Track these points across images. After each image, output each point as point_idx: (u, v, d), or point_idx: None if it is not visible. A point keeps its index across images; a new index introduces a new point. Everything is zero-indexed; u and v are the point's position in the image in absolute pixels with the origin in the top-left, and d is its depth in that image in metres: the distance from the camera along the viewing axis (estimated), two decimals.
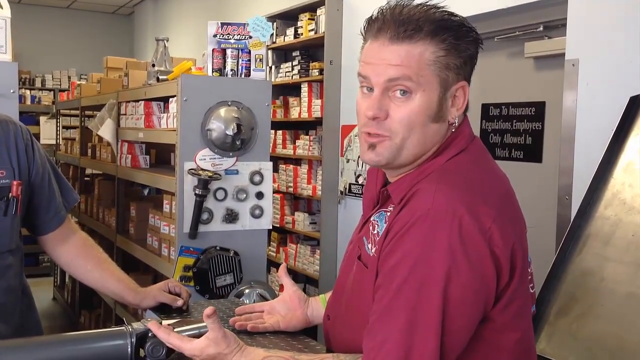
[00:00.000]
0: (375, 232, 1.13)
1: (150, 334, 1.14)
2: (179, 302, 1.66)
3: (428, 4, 1.12)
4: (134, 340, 1.14)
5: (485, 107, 3.41)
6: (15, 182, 1.55)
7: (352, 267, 1.19)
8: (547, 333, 2.06)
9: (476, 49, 1.11)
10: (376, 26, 1.10)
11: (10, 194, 1.54)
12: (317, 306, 1.47)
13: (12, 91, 2.34)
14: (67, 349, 1.12)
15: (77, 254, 1.75)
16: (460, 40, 1.08)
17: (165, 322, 1.20)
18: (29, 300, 1.70)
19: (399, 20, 1.07)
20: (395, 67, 1.07)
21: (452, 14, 1.11)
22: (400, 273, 1.00)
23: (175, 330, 1.20)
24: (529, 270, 1.13)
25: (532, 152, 3.16)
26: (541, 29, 3.09)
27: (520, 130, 3.22)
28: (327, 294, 1.45)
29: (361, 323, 1.07)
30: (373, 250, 1.11)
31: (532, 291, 1.15)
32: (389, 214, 1.12)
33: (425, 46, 1.07)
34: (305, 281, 4.80)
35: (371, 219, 1.17)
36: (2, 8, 2.40)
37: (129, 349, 1.13)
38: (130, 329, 1.15)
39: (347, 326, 1.19)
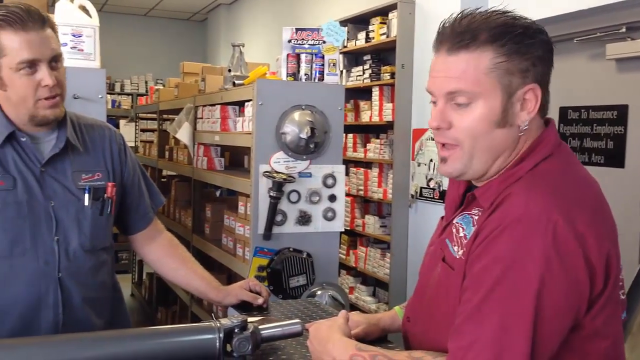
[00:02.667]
0: (462, 235, 1.14)
1: (236, 330, 1.19)
2: (260, 301, 1.71)
3: (491, 10, 1.11)
4: (222, 335, 1.18)
5: (563, 111, 3.32)
6: (110, 184, 1.64)
7: (435, 269, 1.20)
8: (630, 344, 1.99)
9: (547, 51, 1.09)
10: (438, 39, 1.13)
11: (106, 195, 1.63)
12: (394, 317, 1.47)
13: (100, 96, 2.47)
14: (160, 341, 1.18)
15: (164, 253, 1.83)
16: (522, 44, 1.07)
17: (250, 319, 1.25)
18: (119, 296, 1.79)
19: (456, 31, 1.09)
20: (452, 79, 1.09)
21: (516, 17, 1.10)
22: (491, 276, 1.00)
23: (260, 327, 1.25)
24: (620, 276, 1.10)
25: (614, 157, 3.05)
26: (624, 30, 2.98)
27: (601, 135, 3.11)
28: (401, 305, 1.46)
29: (445, 324, 1.08)
30: (460, 253, 1.12)
31: (622, 297, 1.12)
32: (475, 217, 1.13)
33: (482, 54, 1.07)
34: (375, 284, 4.80)
35: (454, 221, 1.18)
36: (91, 17, 2.54)
37: (217, 344, 1.18)
38: (218, 325, 1.19)
39: (429, 327, 1.19)
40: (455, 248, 1.14)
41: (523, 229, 0.99)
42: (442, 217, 1.33)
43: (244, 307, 1.70)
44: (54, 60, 1.50)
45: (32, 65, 1.46)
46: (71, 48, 2.41)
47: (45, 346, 1.15)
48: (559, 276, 0.97)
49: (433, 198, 4.08)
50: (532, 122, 1.11)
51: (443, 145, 1.14)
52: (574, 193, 1.06)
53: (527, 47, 1.07)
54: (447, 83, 1.10)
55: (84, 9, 2.49)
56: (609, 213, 1.11)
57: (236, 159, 4.06)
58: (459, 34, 1.09)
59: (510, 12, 1.12)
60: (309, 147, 2.68)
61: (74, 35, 2.40)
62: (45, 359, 1.11)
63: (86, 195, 1.59)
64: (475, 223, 1.12)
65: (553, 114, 3.33)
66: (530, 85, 1.08)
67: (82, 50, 2.42)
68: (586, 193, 1.09)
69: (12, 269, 1.50)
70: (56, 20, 1.64)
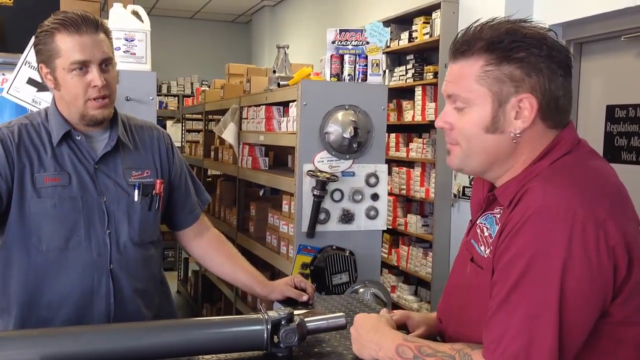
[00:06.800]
0: (487, 234, 1.17)
1: (283, 322, 1.24)
2: (304, 297, 1.75)
3: (506, 18, 1.15)
4: (269, 326, 1.23)
5: (610, 109, 3.27)
6: (158, 181, 1.72)
7: (464, 270, 1.23)
8: None
9: (548, 60, 1.10)
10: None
11: (154, 192, 1.71)
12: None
13: (151, 98, 2.55)
14: (212, 331, 1.24)
15: (211, 248, 1.89)
16: (512, 52, 1.10)
17: (296, 312, 1.29)
18: (166, 289, 1.86)
19: (461, 39, 1.15)
20: (449, 83, 1.17)
21: (524, 26, 1.12)
22: (516, 268, 1.04)
23: (305, 320, 1.29)
24: None
25: None
26: None
27: None
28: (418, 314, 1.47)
29: (478, 322, 1.12)
30: (487, 252, 1.15)
31: None
32: (497, 216, 1.17)
33: (475, 61, 1.13)
34: (417, 283, 4.81)
35: (478, 222, 1.22)
36: (142, 22, 2.63)
37: (265, 335, 1.23)
38: (266, 317, 1.24)
39: (463, 326, 1.22)
40: (482, 248, 1.17)
41: (543, 220, 1.02)
42: (471, 221, 1.36)
43: (289, 302, 1.75)
44: (105, 63, 1.59)
45: (83, 66, 1.55)
46: (124, 52, 2.50)
47: (104, 333, 1.22)
48: (582, 264, 1.00)
49: None
50: (534, 130, 1.13)
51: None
52: (591, 182, 1.09)
53: (518, 56, 1.10)
54: (447, 87, 1.17)
55: (136, 14, 2.59)
56: (629, 202, 1.12)
57: (280, 158, 4.13)
58: (462, 42, 1.15)
59: (524, 20, 1.15)
60: (352, 147, 2.72)
61: (126, 40, 2.49)
62: (105, 345, 1.18)
63: (136, 191, 1.67)
64: (498, 221, 1.15)
65: (599, 112, 3.28)
66: (524, 94, 1.11)
67: (135, 54, 2.51)
68: (604, 182, 1.11)
69: (68, 260, 1.59)
70: (110, 25, 1.73)
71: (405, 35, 4.82)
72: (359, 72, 2.83)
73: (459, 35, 1.17)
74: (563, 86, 1.13)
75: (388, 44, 4.96)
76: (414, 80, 4.76)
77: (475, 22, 1.17)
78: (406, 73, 4.88)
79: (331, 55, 2.83)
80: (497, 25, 1.14)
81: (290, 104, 2.95)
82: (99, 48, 1.57)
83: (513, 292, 1.03)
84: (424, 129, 4.78)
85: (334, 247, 2.74)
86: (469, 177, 4.17)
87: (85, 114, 1.59)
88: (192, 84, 10.36)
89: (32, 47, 2.42)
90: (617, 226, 1.03)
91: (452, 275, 1.31)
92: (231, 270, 1.87)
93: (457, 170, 1.24)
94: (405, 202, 4.95)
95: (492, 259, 1.11)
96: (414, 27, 4.74)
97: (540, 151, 1.14)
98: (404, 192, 4.80)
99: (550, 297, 1.00)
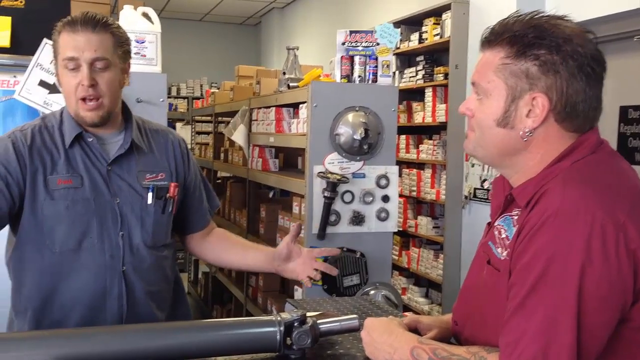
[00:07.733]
0: (504, 236, 1.16)
1: (296, 324, 1.23)
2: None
3: (540, 12, 1.14)
4: (282, 328, 1.23)
5: (623, 110, 3.24)
6: (172, 184, 1.71)
7: (481, 273, 1.21)
8: None
9: (567, 61, 1.08)
10: None
11: (168, 195, 1.70)
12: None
13: (161, 100, 2.56)
14: (225, 332, 1.23)
15: (218, 242, 1.91)
16: (530, 49, 1.09)
17: (308, 314, 1.29)
18: (181, 291, 1.86)
19: (492, 30, 1.15)
20: (476, 72, 1.18)
21: (554, 23, 1.10)
22: (534, 270, 1.02)
23: (318, 322, 1.28)
24: None
25: None
26: None
27: None
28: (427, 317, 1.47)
29: (494, 325, 1.10)
30: (504, 254, 1.14)
31: None
32: (515, 217, 1.15)
33: (497, 53, 1.13)
34: (428, 285, 4.79)
35: (495, 224, 1.21)
36: (153, 24, 2.64)
37: (278, 337, 1.22)
38: (279, 318, 1.24)
39: (479, 329, 1.20)
40: (499, 250, 1.16)
41: (561, 221, 1.00)
42: (488, 223, 1.34)
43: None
44: (98, 65, 1.56)
45: (74, 63, 1.55)
46: (134, 54, 2.50)
47: (116, 334, 1.22)
48: (601, 266, 0.98)
49: (487, 199, 4.04)
50: (548, 131, 1.12)
51: None
52: (611, 184, 1.07)
53: (536, 53, 1.09)
54: (473, 75, 1.18)
55: (146, 16, 2.59)
56: None
57: (290, 160, 4.12)
58: (491, 32, 1.16)
59: (562, 17, 1.13)
60: (363, 148, 2.71)
61: (137, 42, 2.50)
62: (117, 346, 1.18)
63: (150, 194, 1.66)
64: (515, 223, 1.14)
65: (613, 112, 3.26)
66: (537, 93, 1.10)
67: (145, 55, 2.52)
68: (625, 185, 1.09)
69: (81, 261, 1.59)
70: None
71: (415, 37, 4.81)
72: (369, 74, 2.81)
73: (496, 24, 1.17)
74: (584, 91, 1.10)
75: (398, 45, 4.95)
76: (424, 82, 4.74)
77: (515, 12, 1.16)
78: (416, 74, 4.87)
79: (341, 57, 2.82)
80: (529, 19, 1.12)
81: (300, 105, 2.94)
82: (90, 47, 1.55)
83: (530, 295, 1.01)
84: (435, 130, 4.76)
85: (345, 249, 2.73)
86: (480, 179, 4.15)
87: (78, 114, 1.60)
88: (201, 86, 10.38)
89: (43, 49, 2.44)
90: (637, 229, 1.01)
91: (469, 277, 1.30)
92: (241, 251, 1.90)
93: (469, 154, 1.25)
94: (416, 203, 4.94)
95: (509, 262, 1.10)
96: (424, 28, 4.72)
97: (558, 153, 1.12)
98: (414, 193, 4.79)
99: (568, 300, 0.98)
